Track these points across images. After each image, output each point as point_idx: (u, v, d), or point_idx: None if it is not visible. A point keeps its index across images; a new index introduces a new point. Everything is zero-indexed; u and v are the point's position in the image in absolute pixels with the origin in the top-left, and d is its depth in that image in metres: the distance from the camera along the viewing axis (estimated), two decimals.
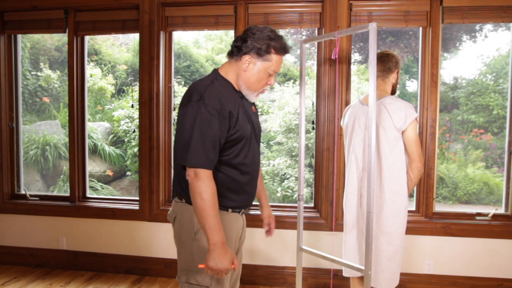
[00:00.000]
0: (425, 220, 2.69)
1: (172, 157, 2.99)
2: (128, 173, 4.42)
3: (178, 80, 4.34)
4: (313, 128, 2.90)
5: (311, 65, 4.24)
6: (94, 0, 2.94)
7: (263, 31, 1.43)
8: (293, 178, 4.14)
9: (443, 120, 4.22)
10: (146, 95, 2.90)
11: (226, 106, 1.37)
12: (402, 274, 2.61)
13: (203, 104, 1.33)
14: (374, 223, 1.97)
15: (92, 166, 4.26)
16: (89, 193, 3.24)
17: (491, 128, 4.15)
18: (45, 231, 3.13)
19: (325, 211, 2.77)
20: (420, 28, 2.71)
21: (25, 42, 4.18)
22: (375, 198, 1.97)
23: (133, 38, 4.29)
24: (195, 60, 4.93)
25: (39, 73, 4.32)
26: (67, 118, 3.15)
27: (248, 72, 1.45)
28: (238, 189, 1.47)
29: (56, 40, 4.44)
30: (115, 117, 4.39)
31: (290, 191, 4.09)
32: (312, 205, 2.90)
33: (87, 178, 3.22)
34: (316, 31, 2.85)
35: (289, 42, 5.07)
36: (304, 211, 2.74)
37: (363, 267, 1.82)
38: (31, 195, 3.22)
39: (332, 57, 2.13)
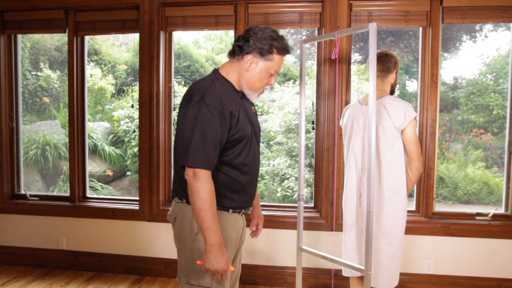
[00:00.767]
0: (425, 220, 2.69)
1: (172, 157, 2.99)
2: (128, 173, 4.42)
3: (178, 80, 4.33)
4: (313, 128, 2.90)
5: (311, 65, 4.24)
6: (94, 0, 2.94)
7: (265, 31, 1.43)
8: (293, 178, 4.14)
9: (443, 120, 4.22)
10: (146, 95, 2.90)
11: (227, 106, 1.37)
12: (402, 274, 2.61)
13: (204, 104, 1.32)
14: (374, 223, 1.97)
15: (92, 166, 4.26)
16: (89, 193, 3.24)
17: (491, 128, 4.15)
18: (45, 231, 3.13)
19: (325, 211, 2.77)
20: (420, 28, 2.71)
21: (25, 42, 4.18)
22: (375, 198, 1.97)
23: (133, 38, 4.29)
24: (195, 60, 4.93)
25: (39, 73, 4.32)
26: (67, 118, 3.16)
27: (250, 71, 1.45)
28: (239, 189, 1.47)
29: (56, 40, 4.44)
30: (115, 117, 4.39)
31: (290, 191, 4.09)
32: (312, 205, 2.90)
33: (87, 178, 3.22)
34: (316, 31, 2.85)
35: (289, 42, 5.07)
36: (304, 211, 2.74)
37: (363, 267, 1.82)
38: (31, 195, 3.22)
39: (332, 57, 2.13)
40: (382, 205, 1.97)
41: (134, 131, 4.22)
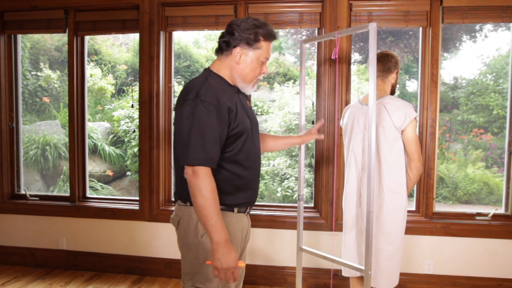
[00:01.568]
0: (425, 220, 2.69)
1: (172, 158, 2.99)
2: (128, 173, 4.42)
3: (178, 80, 4.33)
4: None
5: (311, 65, 4.24)
6: (94, 0, 2.94)
7: (247, 21, 1.42)
8: (293, 178, 4.14)
9: (443, 120, 4.22)
10: (146, 95, 2.90)
11: (223, 101, 1.35)
12: (402, 274, 2.61)
13: (200, 101, 1.31)
14: (374, 223, 1.97)
15: (92, 166, 4.26)
16: (89, 193, 3.24)
17: (491, 128, 4.15)
18: (45, 231, 3.13)
19: (325, 211, 2.77)
20: (420, 28, 2.71)
21: (25, 42, 4.18)
22: (375, 197, 1.97)
23: (133, 38, 4.29)
24: (195, 60, 4.93)
25: (39, 73, 4.32)
26: (67, 118, 3.16)
27: (241, 64, 1.44)
28: (243, 185, 1.45)
29: (56, 40, 4.44)
30: (115, 117, 4.39)
31: (290, 191, 4.09)
32: (312, 205, 2.90)
33: (87, 178, 3.22)
34: (316, 31, 2.85)
35: (289, 42, 5.07)
36: (304, 211, 2.74)
37: (362, 267, 1.82)
38: (31, 195, 3.22)
39: (332, 57, 2.13)
40: (382, 205, 1.97)
41: (134, 131, 4.22)
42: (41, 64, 4.36)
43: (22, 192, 3.28)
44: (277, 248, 2.85)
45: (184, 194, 1.45)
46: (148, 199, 2.95)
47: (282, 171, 4.23)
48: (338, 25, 2.67)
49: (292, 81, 4.64)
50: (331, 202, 2.74)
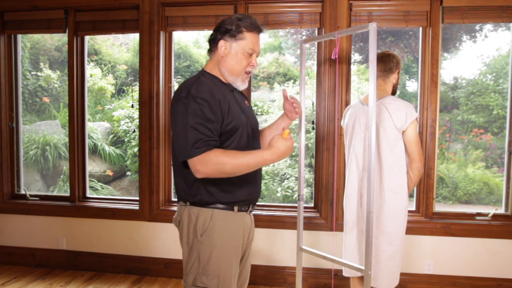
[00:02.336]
0: (425, 220, 2.69)
1: (172, 158, 2.99)
2: (128, 173, 4.42)
3: (178, 80, 4.33)
4: (313, 128, 2.90)
5: (311, 65, 4.24)
6: (94, 0, 2.94)
7: (232, 17, 1.46)
8: (293, 178, 4.14)
9: (443, 120, 4.22)
10: (146, 95, 2.90)
11: (215, 97, 1.36)
12: (402, 274, 2.61)
13: (191, 97, 1.32)
14: (374, 223, 1.97)
15: (92, 166, 4.26)
16: (89, 193, 3.24)
17: (491, 128, 4.15)
18: (45, 231, 3.13)
19: (325, 211, 2.77)
20: (420, 28, 2.71)
21: (25, 42, 4.18)
22: (375, 198, 1.97)
23: (133, 38, 4.29)
24: (195, 60, 4.93)
25: (39, 73, 4.32)
26: (67, 118, 3.16)
27: (226, 56, 1.45)
28: (242, 181, 1.45)
29: (56, 40, 4.44)
30: (115, 117, 4.39)
31: (290, 191, 4.09)
32: (312, 205, 2.90)
33: (87, 178, 3.22)
34: (316, 31, 2.85)
35: (289, 42, 5.07)
36: (304, 211, 2.74)
37: (363, 267, 1.82)
38: (31, 195, 3.22)
39: (332, 57, 2.13)
40: (383, 205, 1.97)
41: (134, 131, 4.22)
42: (41, 64, 4.36)
43: (22, 192, 3.28)
44: (277, 248, 2.85)
45: (183, 194, 1.45)
46: (148, 199, 2.94)
47: (282, 171, 4.23)
48: (338, 25, 2.67)
49: (292, 81, 4.63)
50: (331, 202, 2.74)
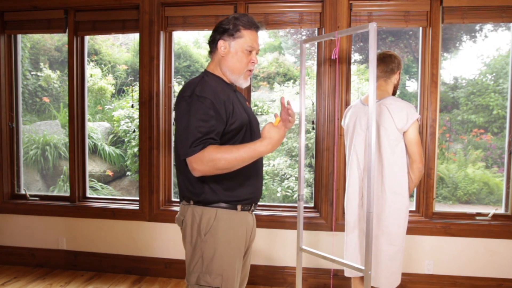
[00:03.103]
0: (425, 220, 2.69)
1: (173, 157, 2.99)
2: (128, 173, 4.42)
3: (178, 80, 4.33)
4: (313, 128, 2.90)
5: (311, 65, 4.23)
6: (94, 0, 2.94)
7: (229, 17, 1.48)
8: (293, 178, 4.14)
9: (443, 120, 4.22)
10: (146, 95, 2.90)
11: (219, 96, 1.37)
12: (402, 274, 2.61)
13: (195, 96, 1.33)
14: (375, 223, 1.98)
15: (92, 166, 4.26)
16: (89, 193, 3.24)
17: (491, 128, 4.15)
18: (45, 231, 3.13)
19: (325, 211, 2.77)
20: (420, 28, 2.71)
21: (25, 42, 4.18)
22: (376, 198, 1.98)
23: (133, 38, 4.29)
24: (195, 60, 4.93)
25: (39, 73, 4.32)
26: (67, 118, 3.16)
27: (226, 55, 1.48)
28: (245, 181, 1.46)
29: (56, 40, 4.44)
30: (115, 117, 4.39)
31: (290, 191, 4.09)
32: (312, 205, 2.90)
33: (87, 178, 3.22)
34: (316, 31, 2.85)
35: (289, 42, 5.07)
36: (304, 211, 2.74)
37: (363, 267, 1.82)
38: (31, 195, 3.22)
39: (332, 57, 2.13)
40: (384, 206, 1.97)
41: (134, 131, 4.22)
42: (41, 64, 4.36)
43: (22, 192, 3.28)
44: (277, 248, 2.85)
45: (187, 193, 1.45)
46: (148, 199, 2.94)
47: (282, 171, 4.23)
48: (338, 25, 2.68)
49: (292, 81, 4.63)
50: (331, 202, 2.74)
